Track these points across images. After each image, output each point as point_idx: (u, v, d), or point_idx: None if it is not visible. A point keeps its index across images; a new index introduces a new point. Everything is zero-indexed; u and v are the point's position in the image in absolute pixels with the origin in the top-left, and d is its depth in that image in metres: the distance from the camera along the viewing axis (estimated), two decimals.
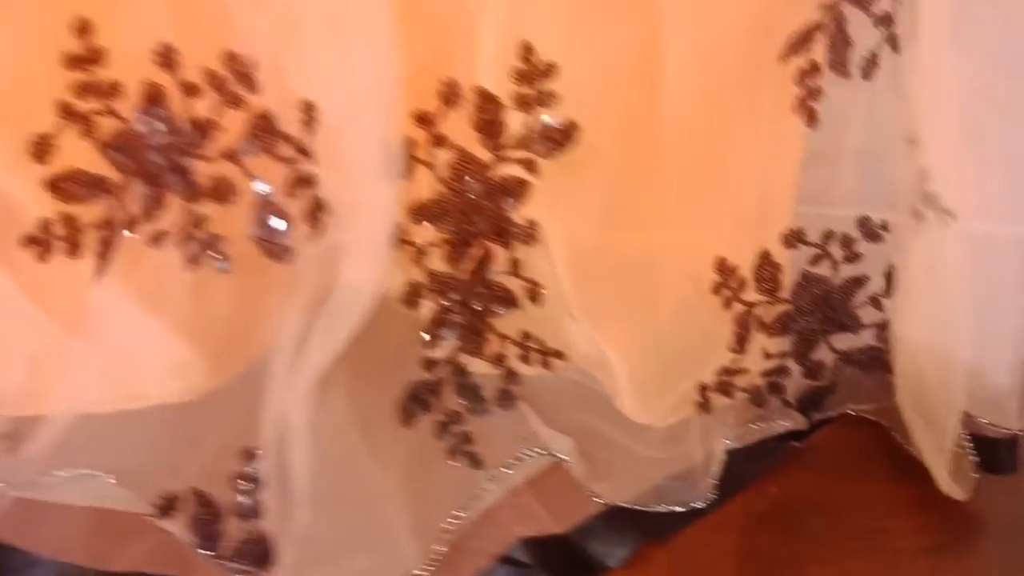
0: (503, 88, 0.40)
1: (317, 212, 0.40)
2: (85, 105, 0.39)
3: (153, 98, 0.39)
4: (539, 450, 0.45)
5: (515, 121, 0.41)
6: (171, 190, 0.40)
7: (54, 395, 0.45)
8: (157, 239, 0.40)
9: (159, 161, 0.40)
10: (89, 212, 0.40)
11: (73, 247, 0.40)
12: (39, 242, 0.40)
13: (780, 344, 0.53)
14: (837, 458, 0.58)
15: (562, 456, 0.45)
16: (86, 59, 0.38)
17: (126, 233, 0.40)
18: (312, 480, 0.39)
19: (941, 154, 0.42)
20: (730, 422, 0.51)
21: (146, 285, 0.42)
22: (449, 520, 0.43)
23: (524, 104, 0.41)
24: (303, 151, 0.39)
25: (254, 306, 0.44)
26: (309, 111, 0.38)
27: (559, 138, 0.41)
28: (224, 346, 0.46)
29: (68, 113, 0.39)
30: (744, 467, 0.51)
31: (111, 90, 0.39)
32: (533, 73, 0.40)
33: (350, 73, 0.37)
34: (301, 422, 0.39)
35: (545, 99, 0.40)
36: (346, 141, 0.38)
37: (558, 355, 0.45)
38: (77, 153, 0.39)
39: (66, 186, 0.39)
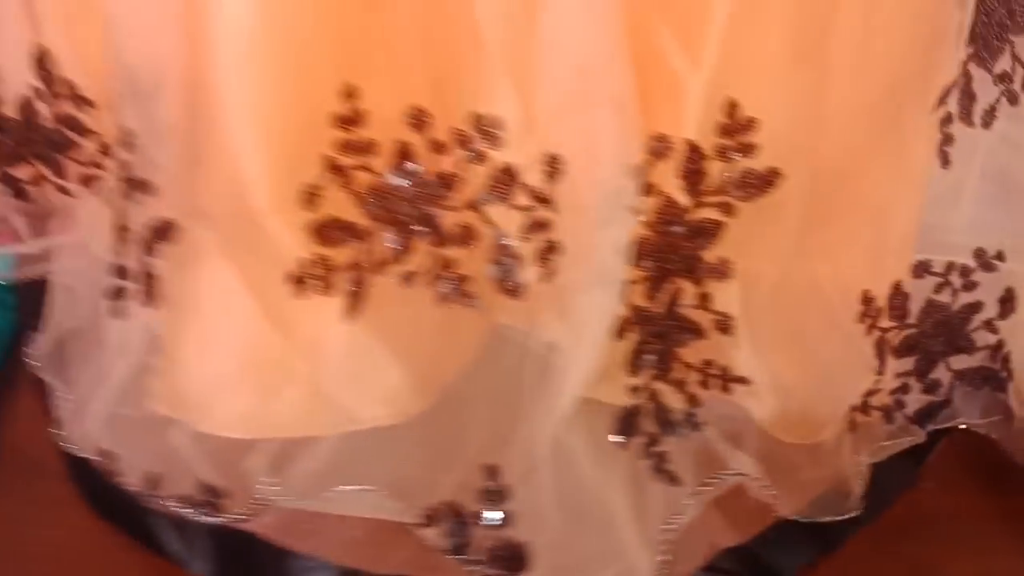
0: (707, 140, 0.45)
1: (550, 253, 0.44)
2: (345, 160, 0.43)
3: (404, 155, 0.44)
4: (729, 470, 0.50)
5: (715, 169, 0.46)
6: (418, 236, 0.44)
7: (280, 420, 0.48)
8: (408, 279, 0.44)
9: (408, 211, 0.44)
10: (342, 255, 0.44)
11: (327, 286, 0.44)
12: (298, 280, 0.44)
13: (904, 364, 0.59)
14: (943, 470, 0.65)
15: (750, 474, 0.49)
16: (350, 120, 0.43)
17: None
18: (557, 497, 0.43)
19: None
20: (870, 438, 0.56)
21: (373, 318, 0.46)
22: (663, 533, 0.47)
23: (724, 154, 0.46)
24: (542, 199, 0.43)
25: (460, 335, 0.48)
26: (554, 163, 0.42)
27: (760, 184, 0.46)
28: (428, 373, 0.49)
29: (331, 167, 0.43)
30: (890, 480, 0.56)
31: (368, 148, 0.43)
32: (736, 127, 0.45)
33: (595, 127, 0.41)
34: (547, 448, 0.43)
35: (746, 149, 0.46)
36: (585, 189, 0.42)
37: (741, 381, 0.50)
38: (334, 202, 0.43)
39: (325, 231, 0.44)
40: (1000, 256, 0.57)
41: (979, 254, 0.58)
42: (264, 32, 0.39)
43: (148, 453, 0.51)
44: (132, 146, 0.42)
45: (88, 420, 0.53)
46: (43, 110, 0.49)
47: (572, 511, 0.46)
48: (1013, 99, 0.53)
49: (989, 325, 0.59)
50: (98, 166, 0.50)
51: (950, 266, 0.58)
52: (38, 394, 0.60)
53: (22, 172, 0.53)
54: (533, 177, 0.43)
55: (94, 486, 0.56)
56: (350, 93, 0.42)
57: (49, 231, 0.55)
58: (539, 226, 0.43)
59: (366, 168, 0.43)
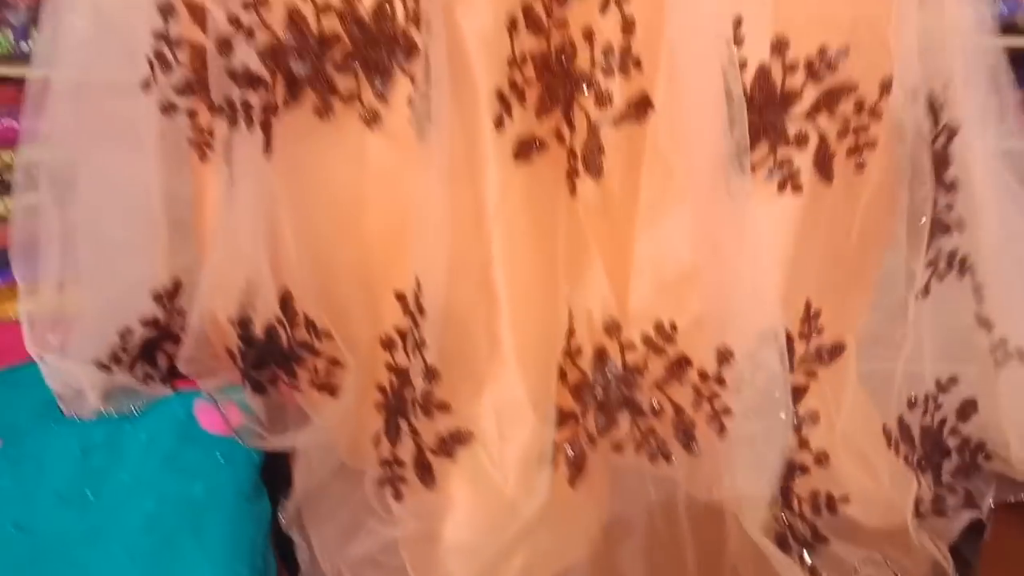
0: (793, 329, 0.64)
1: (721, 416, 0.59)
2: (564, 365, 0.58)
3: (601, 355, 0.59)
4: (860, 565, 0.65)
5: (800, 348, 0.64)
6: (620, 414, 0.57)
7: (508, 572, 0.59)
8: (617, 448, 0.57)
9: (609, 396, 0.58)
10: (562, 434, 0.59)
11: (554, 461, 0.58)
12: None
13: (927, 476, 0.77)
14: None
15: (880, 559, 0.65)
16: (568, 333, 0.58)
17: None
18: None
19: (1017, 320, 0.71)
20: (936, 529, 0.73)
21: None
22: None
23: (805, 337, 0.65)
24: (715, 379, 0.59)
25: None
26: (726, 354, 0.59)
27: (831, 354, 0.65)
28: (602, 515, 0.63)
29: (559, 372, 0.58)
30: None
31: (577, 352, 0.59)
32: (810, 318, 0.65)
33: (758, 325, 0.58)
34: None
35: (817, 331, 0.65)
36: (742, 368, 0.58)
37: (845, 500, 0.66)
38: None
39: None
40: (954, 379, 0.79)
41: (938, 383, 0.80)
42: (521, 290, 0.56)
43: None
44: (437, 379, 0.55)
45: (343, 566, 0.61)
46: (283, 335, 0.61)
47: None
48: (939, 277, 0.78)
49: (953, 431, 0.80)
50: (328, 375, 0.61)
51: (925, 397, 0.79)
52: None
53: (262, 375, 0.63)
54: (706, 362, 0.59)
55: None
56: (570, 316, 0.57)
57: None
58: (710, 397, 0.60)
59: (575, 367, 0.57)
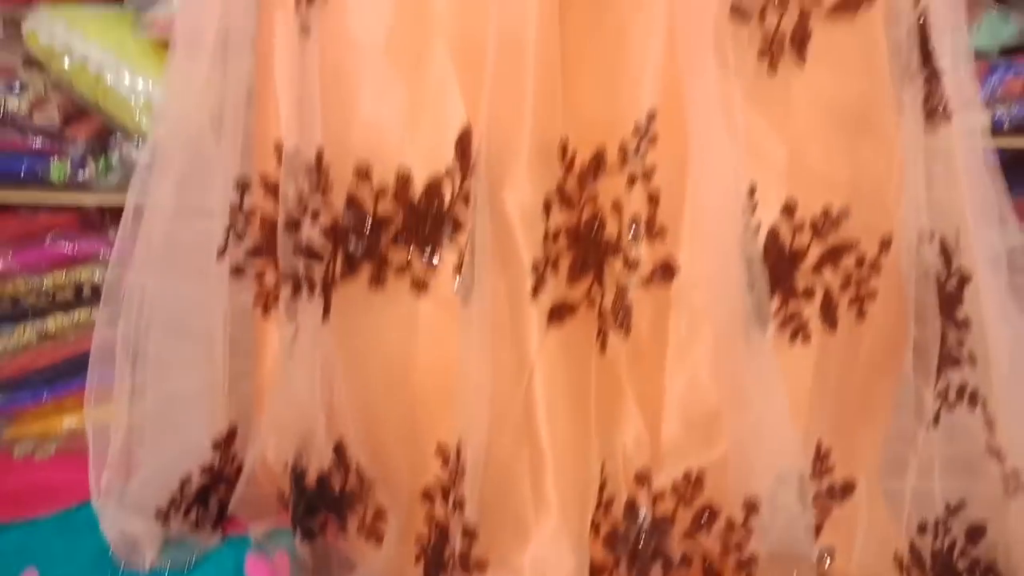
0: (806, 469, 0.68)
1: (748, 565, 0.63)
2: (596, 517, 0.62)
3: (631, 506, 0.63)
4: None
5: (813, 487, 0.68)
6: (652, 566, 0.61)
7: None
8: None
9: (639, 547, 0.61)
10: None
11: None
12: None
13: None
14: None
15: None
16: (602, 484, 0.61)
17: None
18: None
19: None
20: None
21: None
22: None
23: (817, 476, 0.69)
24: (743, 527, 0.63)
25: None
26: (754, 504, 0.63)
27: (844, 492, 0.69)
28: None
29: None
30: None
31: (609, 503, 0.62)
32: (821, 457, 0.69)
33: (777, 468, 0.62)
34: None
35: (828, 470, 0.69)
36: (770, 515, 0.62)
37: None
38: None
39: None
40: (961, 504, 0.83)
41: (947, 507, 0.84)
42: (560, 446, 0.61)
43: None
44: (475, 538, 0.59)
45: None
46: (336, 481, 0.65)
47: None
48: (949, 408, 0.82)
49: (963, 553, 0.83)
50: (374, 523, 0.65)
51: (935, 522, 0.83)
52: None
53: (313, 521, 0.67)
54: (734, 511, 0.63)
55: None
56: (603, 468, 0.61)
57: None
58: (738, 546, 0.64)
59: (608, 518, 0.61)
